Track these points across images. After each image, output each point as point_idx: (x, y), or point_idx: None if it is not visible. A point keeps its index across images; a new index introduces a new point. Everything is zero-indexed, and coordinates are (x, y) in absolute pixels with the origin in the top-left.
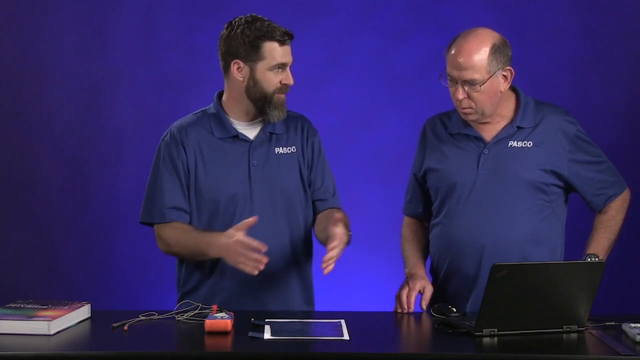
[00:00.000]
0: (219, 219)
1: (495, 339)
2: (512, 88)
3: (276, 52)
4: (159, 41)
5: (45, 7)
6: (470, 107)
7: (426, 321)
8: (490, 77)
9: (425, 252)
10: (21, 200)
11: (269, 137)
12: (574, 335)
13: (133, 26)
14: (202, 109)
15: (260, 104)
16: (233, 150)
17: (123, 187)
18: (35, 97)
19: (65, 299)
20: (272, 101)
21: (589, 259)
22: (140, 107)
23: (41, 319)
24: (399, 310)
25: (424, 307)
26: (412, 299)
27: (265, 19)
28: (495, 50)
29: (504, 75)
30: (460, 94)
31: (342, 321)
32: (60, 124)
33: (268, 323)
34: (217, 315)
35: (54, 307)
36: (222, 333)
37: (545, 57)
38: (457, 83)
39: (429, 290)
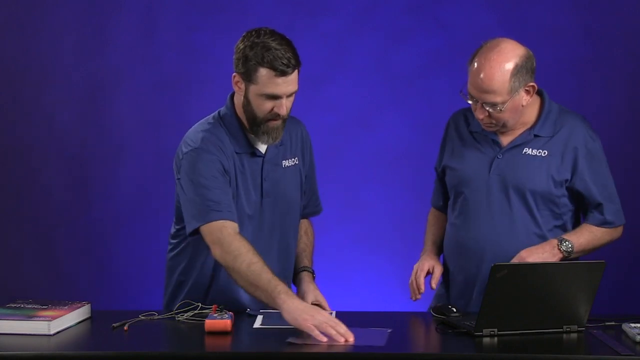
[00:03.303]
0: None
1: (495, 339)
2: (538, 91)
3: (270, 81)
4: (159, 41)
5: (45, 7)
6: (492, 123)
7: (426, 321)
8: (512, 97)
9: (442, 239)
10: (21, 200)
11: (277, 150)
12: (574, 335)
13: (133, 26)
14: (217, 114)
15: (251, 124)
16: (249, 165)
17: (123, 187)
18: (35, 97)
19: (65, 299)
20: (261, 125)
21: (564, 244)
22: (140, 107)
23: (41, 319)
24: (413, 299)
25: (434, 286)
26: (422, 279)
27: (276, 43)
28: (517, 71)
29: (526, 90)
30: (481, 114)
31: (333, 312)
32: (60, 124)
33: (261, 313)
34: (216, 315)
35: (54, 307)
36: (222, 333)
37: (545, 57)
38: (477, 101)
39: (438, 270)
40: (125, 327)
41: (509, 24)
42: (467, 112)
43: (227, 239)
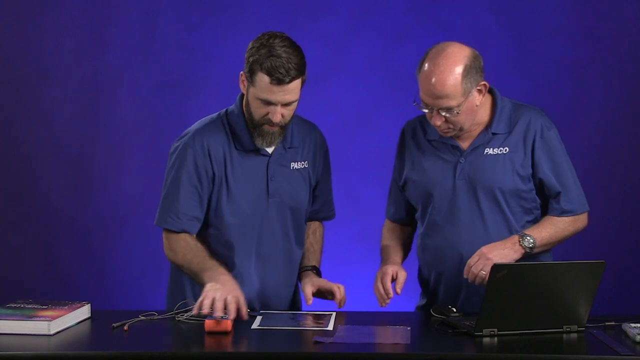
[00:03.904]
0: (235, 234)
1: (495, 339)
2: (489, 90)
3: (266, 87)
4: (159, 41)
5: (45, 7)
6: (449, 128)
7: (426, 321)
8: (466, 98)
9: (403, 248)
10: (21, 200)
11: (286, 151)
12: (574, 335)
13: (133, 26)
14: (224, 110)
15: (249, 124)
16: (253, 164)
17: (123, 187)
18: (35, 97)
19: (65, 299)
20: (258, 128)
21: (525, 240)
22: (140, 107)
23: (41, 319)
24: (382, 305)
25: (399, 291)
26: (388, 284)
27: (283, 50)
28: (467, 72)
29: (478, 90)
30: (438, 120)
31: (334, 314)
32: (60, 124)
33: (261, 314)
34: (217, 315)
35: (54, 307)
36: (222, 333)
37: (545, 57)
38: (433, 109)
39: (402, 275)
40: (125, 327)
41: (509, 24)
42: (422, 120)
43: (171, 243)
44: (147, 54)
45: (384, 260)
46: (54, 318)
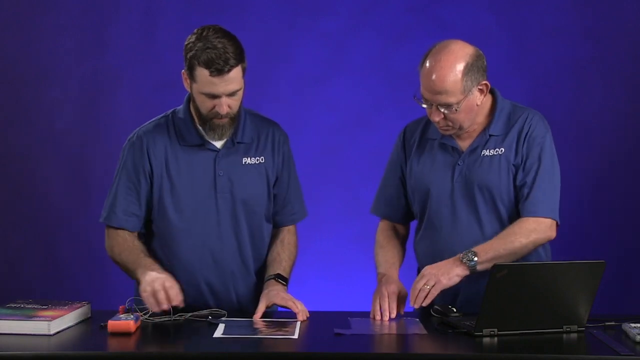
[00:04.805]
0: (181, 229)
1: (495, 339)
2: (490, 91)
3: (207, 81)
4: (159, 41)
5: (45, 7)
6: (448, 126)
7: (426, 321)
8: (466, 96)
9: (400, 255)
10: (21, 200)
11: (236, 146)
12: (574, 335)
13: (133, 26)
14: (172, 110)
15: (200, 121)
16: (199, 159)
17: None
18: (35, 97)
19: (65, 299)
20: (207, 123)
21: (467, 256)
22: (140, 107)
23: (41, 319)
24: (377, 318)
25: (402, 311)
26: (394, 304)
27: (217, 41)
28: (468, 70)
29: (479, 89)
30: (436, 116)
31: (298, 322)
32: (60, 124)
33: (223, 322)
34: (122, 316)
35: (54, 307)
36: (127, 334)
37: (545, 57)
38: (432, 104)
39: (405, 294)
40: None
41: (509, 24)
42: (421, 122)
43: (110, 240)
44: (147, 54)
45: (384, 272)
46: (54, 318)
